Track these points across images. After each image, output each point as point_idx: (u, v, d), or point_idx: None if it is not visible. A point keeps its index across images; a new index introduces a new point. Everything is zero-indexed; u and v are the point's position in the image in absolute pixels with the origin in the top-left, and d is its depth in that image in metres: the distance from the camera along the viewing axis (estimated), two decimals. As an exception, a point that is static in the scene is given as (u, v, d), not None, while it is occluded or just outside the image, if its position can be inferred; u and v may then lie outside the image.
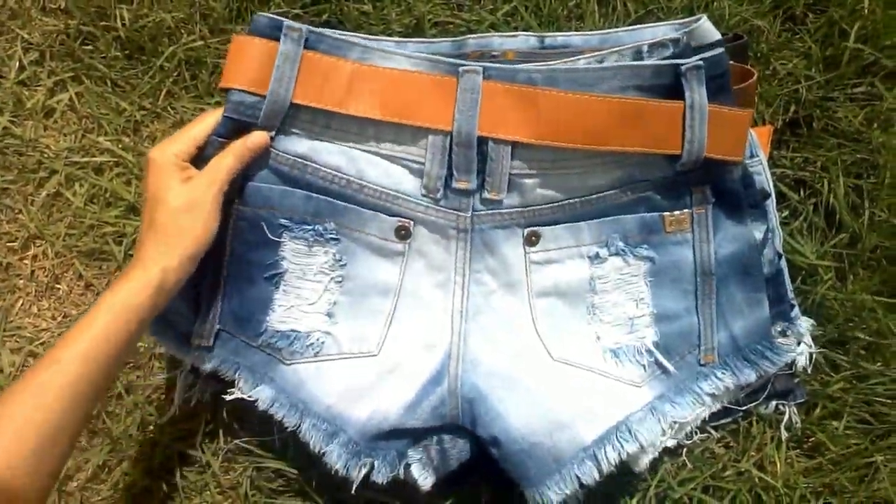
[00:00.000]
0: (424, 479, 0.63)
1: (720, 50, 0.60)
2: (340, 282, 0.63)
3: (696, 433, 0.68)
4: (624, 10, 0.78)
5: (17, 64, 0.81)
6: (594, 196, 0.61)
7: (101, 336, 0.52)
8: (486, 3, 0.79)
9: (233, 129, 0.60)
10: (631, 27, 0.68)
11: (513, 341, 0.62)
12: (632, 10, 0.78)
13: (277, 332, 0.63)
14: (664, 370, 0.63)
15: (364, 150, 0.61)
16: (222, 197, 0.58)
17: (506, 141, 0.59)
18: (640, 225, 0.62)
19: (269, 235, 0.61)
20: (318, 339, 0.63)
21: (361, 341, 0.63)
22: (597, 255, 0.62)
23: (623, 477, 0.68)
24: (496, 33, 0.70)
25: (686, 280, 0.63)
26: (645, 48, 0.63)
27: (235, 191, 0.60)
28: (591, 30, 0.75)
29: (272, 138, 0.60)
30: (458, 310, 0.62)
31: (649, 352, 0.63)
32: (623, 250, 0.62)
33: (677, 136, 0.59)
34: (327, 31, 0.60)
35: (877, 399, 0.71)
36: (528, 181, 0.60)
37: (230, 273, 0.62)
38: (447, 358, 0.62)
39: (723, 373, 0.64)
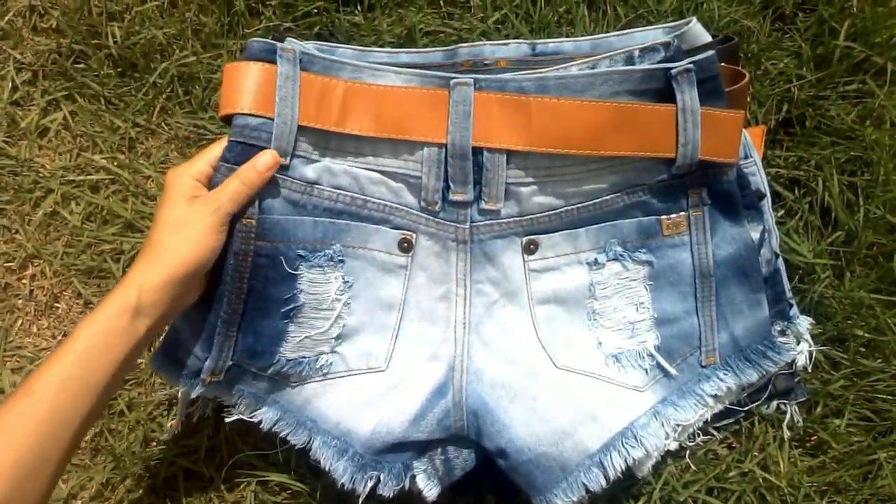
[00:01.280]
0: (430, 489, 0.63)
1: (710, 53, 0.60)
2: (349, 304, 0.63)
3: (698, 435, 0.69)
4: (614, 14, 0.78)
5: (10, 84, 0.81)
6: (591, 202, 0.61)
7: (77, 363, 0.50)
8: (477, 11, 0.79)
9: (240, 153, 0.58)
10: (622, 32, 0.68)
11: (516, 350, 0.62)
12: (622, 14, 0.78)
13: (289, 360, 0.62)
14: (666, 373, 0.64)
15: (363, 168, 0.61)
16: (224, 221, 0.56)
17: (500, 150, 0.59)
18: (638, 229, 0.62)
19: (288, 269, 0.60)
20: (326, 361, 0.63)
21: (369, 357, 0.63)
22: (595, 261, 0.62)
23: (627, 481, 0.68)
24: (487, 41, 0.70)
25: (685, 282, 0.63)
26: (636, 53, 0.64)
27: (252, 224, 0.58)
28: (581, 35, 0.75)
29: (287, 166, 0.59)
30: (461, 321, 0.62)
31: (651, 356, 0.63)
32: (621, 255, 0.62)
33: (671, 139, 0.59)
34: (318, 53, 0.60)
35: (878, 396, 0.71)
36: (525, 190, 0.61)
37: (247, 309, 0.60)
38: (451, 370, 0.62)
39: (725, 373, 0.64)
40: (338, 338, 0.63)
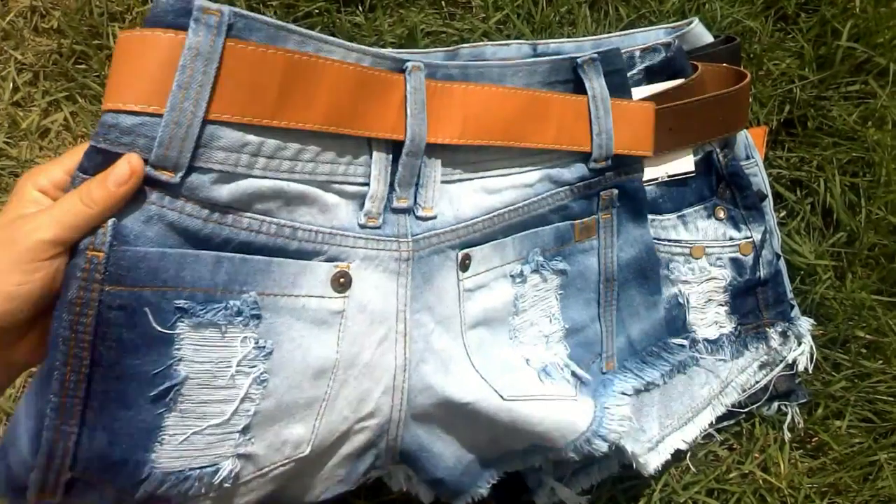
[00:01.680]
0: (425, 490, 0.62)
1: (614, 47, 0.59)
2: (265, 381, 0.45)
3: (699, 436, 0.68)
4: (616, 14, 0.78)
5: (11, 85, 0.81)
6: (520, 205, 0.56)
7: None
8: (478, 11, 0.79)
9: (102, 163, 0.40)
10: (623, 32, 0.68)
11: (458, 387, 0.53)
12: (623, 15, 0.78)
13: (168, 474, 0.43)
14: (582, 381, 0.60)
15: (299, 181, 0.46)
16: (37, 255, 0.38)
17: (439, 145, 0.51)
18: (555, 236, 0.59)
19: (158, 328, 0.41)
20: (229, 472, 0.45)
21: (287, 446, 0.48)
22: (520, 273, 0.57)
23: (627, 482, 0.68)
24: (489, 42, 0.70)
25: (590, 289, 0.61)
26: (637, 53, 0.64)
27: (99, 259, 0.40)
28: (583, 35, 0.75)
29: (182, 179, 0.41)
30: (401, 366, 0.51)
31: (566, 366, 0.60)
32: (542, 265, 0.58)
33: (585, 130, 0.57)
34: (264, 18, 0.43)
35: (879, 397, 0.71)
36: (454, 188, 0.54)
37: (94, 392, 0.41)
38: (387, 422, 0.52)
39: (623, 377, 0.62)
40: (245, 431, 0.45)
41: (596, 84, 0.57)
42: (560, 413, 0.57)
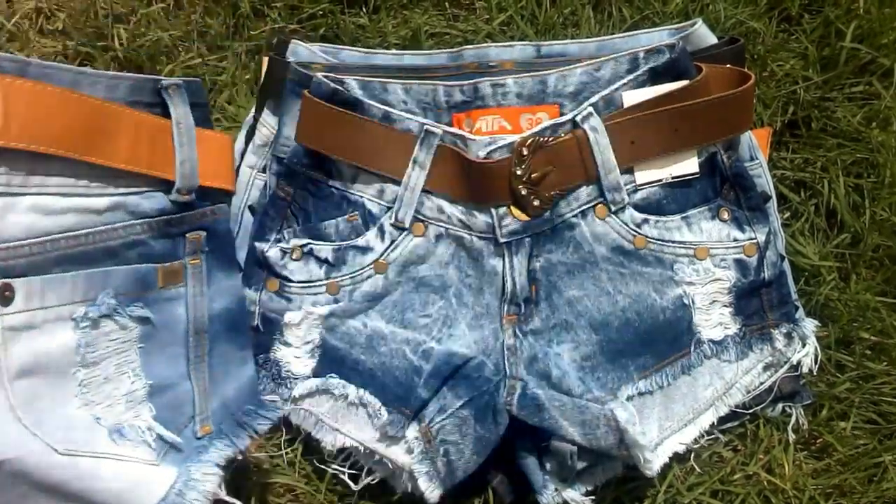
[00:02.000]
0: (431, 491, 0.63)
1: (197, 80, 0.59)
2: None
3: (703, 437, 0.68)
4: (619, 15, 0.78)
5: (17, 86, 0.81)
6: (85, 232, 0.50)
7: None
8: (482, 12, 0.79)
9: None
10: (627, 34, 0.69)
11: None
12: (627, 16, 0.78)
13: None
14: (173, 445, 0.55)
15: None
16: None
17: None
18: (135, 278, 0.53)
19: None
20: None
21: None
22: (85, 316, 0.50)
23: (631, 483, 0.68)
24: (493, 44, 0.70)
25: (178, 342, 0.57)
26: (641, 54, 0.64)
27: None
28: (587, 37, 0.75)
29: None
30: None
31: (150, 429, 0.54)
32: (116, 310, 0.52)
33: (168, 157, 0.54)
34: None
35: (883, 399, 0.71)
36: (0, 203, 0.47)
37: None
38: None
39: (220, 442, 0.57)
40: None
41: (181, 110, 0.55)
42: (136, 474, 0.51)
